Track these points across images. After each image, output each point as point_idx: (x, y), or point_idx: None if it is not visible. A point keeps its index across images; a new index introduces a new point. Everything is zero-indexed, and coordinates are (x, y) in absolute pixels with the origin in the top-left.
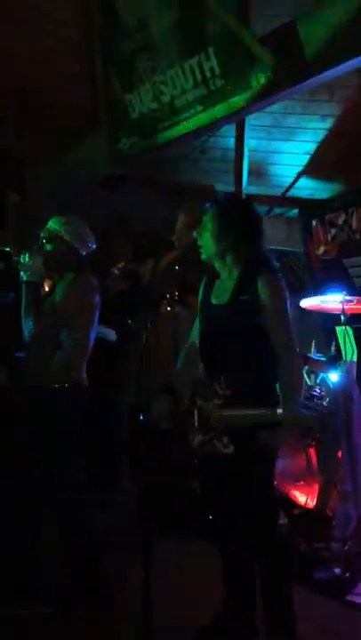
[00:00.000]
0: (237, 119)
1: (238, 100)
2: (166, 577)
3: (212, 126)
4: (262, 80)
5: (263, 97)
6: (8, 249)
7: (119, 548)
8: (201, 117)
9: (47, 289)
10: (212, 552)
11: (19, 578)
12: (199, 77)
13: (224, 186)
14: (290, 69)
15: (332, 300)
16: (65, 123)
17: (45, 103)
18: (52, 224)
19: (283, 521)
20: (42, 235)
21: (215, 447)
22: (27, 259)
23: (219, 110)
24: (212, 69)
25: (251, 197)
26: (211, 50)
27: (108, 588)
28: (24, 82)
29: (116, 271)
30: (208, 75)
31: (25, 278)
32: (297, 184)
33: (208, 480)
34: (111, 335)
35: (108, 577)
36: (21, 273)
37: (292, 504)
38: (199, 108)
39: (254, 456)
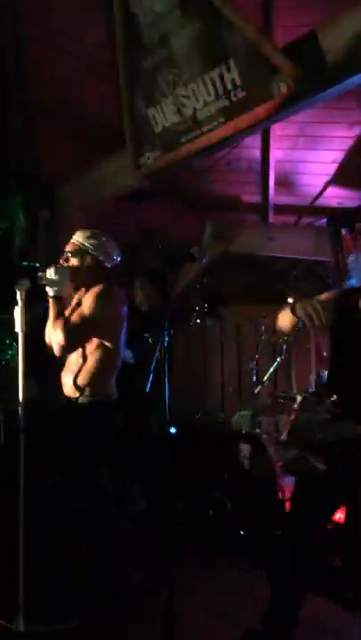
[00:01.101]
0: (261, 130)
1: (261, 111)
2: (191, 590)
3: (236, 138)
4: (284, 90)
5: (286, 107)
6: (38, 265)
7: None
8: (224, 129)
9: (74, 303)
10: (240, 566)
11: (50, 593)
12: (221, 89)
13: (250, 196)
14: (312, 78)
15: None
16: (93, 139)
17: (74, 121)
18: (77, 238)
19: None
20: (67, 249)
21: (309, 462)
22: (52, 274)
23: (241, 121)
24: (233, 81)
25: (278, 208)
26: (231, 61)
27: (135, 600)
28: (54, 101)
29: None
30: (230, 86)
31: (52, 293)
32: (325, 193)
33: (299, 495)
34: (128, 356)
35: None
36: (47, 288)
37: None
38: (222, 119)
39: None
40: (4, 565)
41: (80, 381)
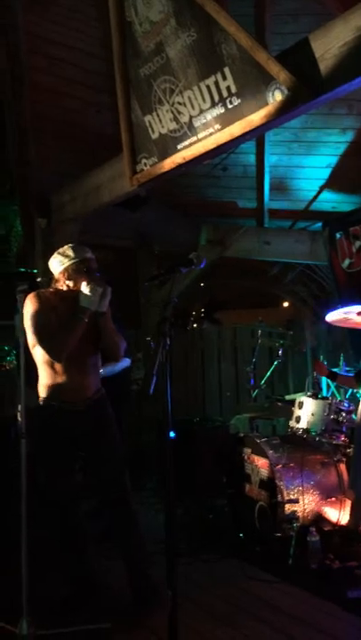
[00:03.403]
0: (256, 136)
1: (255, 118)
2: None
3: (231, 144)
4: (279, 97)
5: (280, 113)
6: (35, 271)
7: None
8: (219, 136)
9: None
10: (241, 570)
11: (52, 597)
12: (216, 97)
13: (246, 202)
14: (306, 85)
15: (355, 312)
16: (88, 147)
17: (70, 129)
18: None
19: (315, 538)
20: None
21: None
22: (87, 290)
23: (236, 128)
24: (228, 88)
25: (274, 212)
26: (227, 69)
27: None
28: (50, 110)
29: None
30: (225, 94)
31: (92, 309)
32: (320, 197)
33: None
34: (125, 362)
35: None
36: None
37: (324, 521)
38: (217, 126)
39: None
40: (6, 570)
41: (98, 382)
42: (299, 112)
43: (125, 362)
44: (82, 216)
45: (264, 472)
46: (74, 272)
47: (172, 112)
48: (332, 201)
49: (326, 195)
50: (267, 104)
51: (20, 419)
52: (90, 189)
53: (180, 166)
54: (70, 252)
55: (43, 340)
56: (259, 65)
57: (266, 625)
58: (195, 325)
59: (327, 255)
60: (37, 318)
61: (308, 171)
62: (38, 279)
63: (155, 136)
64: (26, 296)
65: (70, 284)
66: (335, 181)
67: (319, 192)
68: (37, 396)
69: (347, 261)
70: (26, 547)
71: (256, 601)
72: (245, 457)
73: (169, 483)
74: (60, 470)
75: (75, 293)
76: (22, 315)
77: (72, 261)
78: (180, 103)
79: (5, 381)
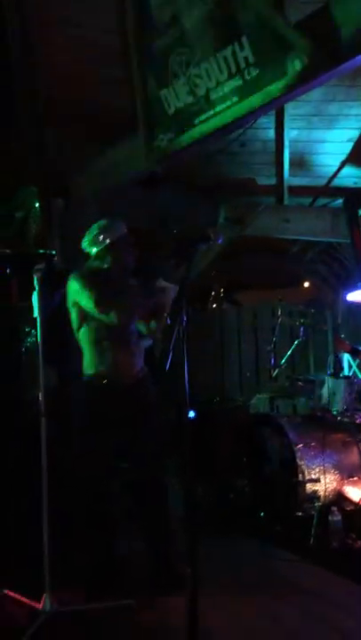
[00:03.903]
0: (275, 108)
1: (275, 89)
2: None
3: (250, 117)
4: (298, 66)
5: (300, 83)
6: (53, 252)
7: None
8: (238, 108)
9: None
10: (262, 549)
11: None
12: (234, 68)
13: (266, 179)
14: (326, 53)
15: None
16: (106, 124)
17: (86, 107)
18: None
19: (336, 517)
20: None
21: None
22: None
23: (255, 100)
24: (246, 59)
25: (294, 189)
26: (244, 39)
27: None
28: (65, 88)
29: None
30: (243, 65)
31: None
32: (341, 173)
33: None
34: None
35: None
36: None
37: (346, 500)
38: (235, 98)
39: None
40: (29, 547)
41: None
42: (319, 82)
43: (149, 341)
44: (99, 196)
45: (285, 452)
46: (116, 248)
47: (189, 85)
48: (354, 176)
49: (348, 170)
50: (286, 74)
51: (40, 398)
52: (106, 168)
53: (197, 141)
54: (110, 228)
55: (101, 304)
56: (278, 33)
57: (288, 603)
58: (214, 306)
59: (349, 232)
60: (91, 287)
61: (329, 145)
62: (55, 258)
63: (171, 111)
64: (42, 276)
65: (110, 260)
66: (357, 156)
67: (340, 167)
68: (82, 375)
69: None
70: (47, 523)
71: (278, 579)
72: (266, 437)
73: (188, 462)
74: (101, 448)
75: (116, 270)
76: (65, 295)
77: (113, 237)
78: (196, 75)
79: (26, 362)
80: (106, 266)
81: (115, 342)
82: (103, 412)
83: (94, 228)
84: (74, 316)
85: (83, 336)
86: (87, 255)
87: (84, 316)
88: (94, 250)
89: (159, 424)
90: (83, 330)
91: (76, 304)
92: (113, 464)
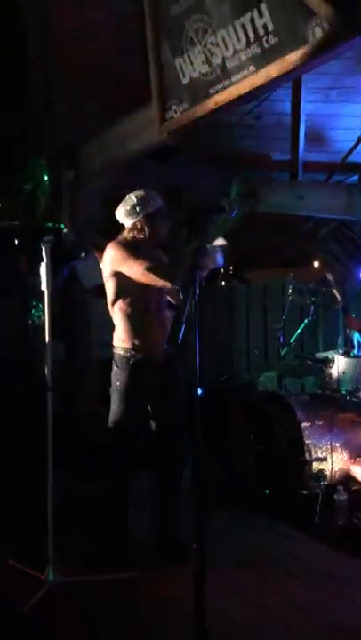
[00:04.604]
0: (294, 79)
1: (294, 58)
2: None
3: (267, 88)
4: (319, 34)
5: (321, 53)
6: (62, 225)
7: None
8: (254, 78)
9: None
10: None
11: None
12: (252, 36)
13: (280, 154)
14: (348, 21)
15: None
16: (119, 96)
17: (97, 77)
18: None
19: (342, 497)
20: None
21: None
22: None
23: (273, 69)
24: (265, 26)
25: (309, 165)
26: (263, 5)
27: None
28: (77, 57)
29: None
30: (261, 32)
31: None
32: (358, 149)
33: None
34: None
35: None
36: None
37: (352, 480)
38: (252, 68)
39: None
40: (33, 519)
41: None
42: (340, 51)
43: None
44: (110, 168)
45: (292, 430)
46: (153, 219)
47: (205, 54)
48: None
49: None
50: (306, 42)
51: (47, 372)
52: (118, 139)
53: (212, 112)
54: (147, 199)
55: (151, 267)
56: (298, 0)
57: (293, 578)
58: (223, 283)
59: None
60: (137, 255)
61: (346, 120)
62: (64, 231)
63: (185, 80)
64: (51, 248)
65: (148, 231)
66: None
67: (357, 143)
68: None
69: None
70: (52, 493)
71: (282, 555)
72: (273, 415)
73: (198, 437)
74: (131, 421)
75: (150, 243)
76: (106, 264)
77: (152, 208)
78: (212, 44)
79: (34, 336)
80: (142, 236)
81: (149, 316)
82: (135, 385)
83: (130, 199)
84: (111, 287)
85: (118, 308)
86: (121, 226)
87: (123, 289)
88: (130, 221)
89: (182, 403)
90: (119, 302)
91: (117, 274)
92: (136, 436)
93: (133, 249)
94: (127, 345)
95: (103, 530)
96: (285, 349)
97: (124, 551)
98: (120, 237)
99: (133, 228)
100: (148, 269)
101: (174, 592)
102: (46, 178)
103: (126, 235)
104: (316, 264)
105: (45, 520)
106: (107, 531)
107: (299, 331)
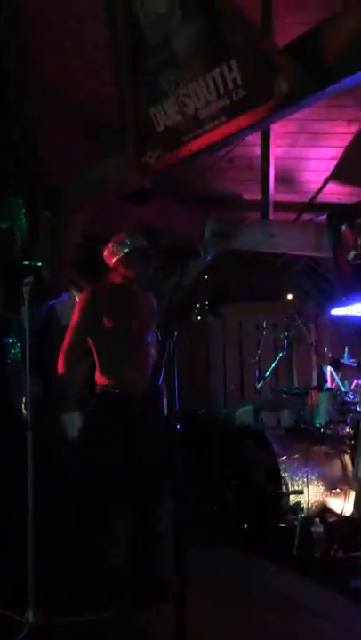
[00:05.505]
0: (262, 128)
1: (262, 110)
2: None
3: (237, 136)
4: (285, 89)
5: (287, 105)
6: (40, 264)
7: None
8: (225, 128)
9: None
10: (245, 559)
11: (58, 587)
12: (222, 89)
13: (252, 194)
14: (313, 77)
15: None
16: (93, 139)
17: (74, 120)
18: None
19: (319, 529)
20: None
21: None
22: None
23: (243, 120)
24: (234, 80)
25: (279, 205)
26: (233, 61)
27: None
28: (53, 99)
29: None
30: (231, 86)
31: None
32: (325, 189)
33: None
34: None
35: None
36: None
37: (329, 511)
38: (223, 118)
39: None
40: (13, 561)
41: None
42: (305, 104)
43: None
44: (87, 208)
45: (269, 463)
46: (133, 260)
47: (178, 104)
48: (337, 193)
49: (331, 187)
50: (273, 96)
51: (25, 411)
52: (95, 181)
53: (185, 159)
54: (128, 240)
55: (65, 349)
56: (265, 56)
57: (272, 612)
58: (198, 318)
59: (332, 247)
60: (77, 316)
61: (313, 163)
62: (43, 272)
63: (160, 128)
64: (32, 288)
65: (129, 272)
66: (340, 173)
67: (324, 184)
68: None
69: (352, 253)
70: (33, 536)
71: (261, 590)
72: (250, 448)
73: (177, 471)
74: (109, 457)
75: (129, 285)
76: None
77: (130, 249)
78: (185, 95)
79: (11, 374)
80: (118, 280)
81: (128, 353)
82: (109, 420)
83: (111, 242)
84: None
85: (92, 347)
86: (108, 267)
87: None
88: (110, 263)
89: (162, 447)
90: (90, 341)
91: None
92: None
93: (82, 307)
94: (100, 382)
95: (82, 568)
96: (261, 383)
97: (103, 588)
98: (103, 281)
99: (113, 269)
100: (64, 344)
101: (155, 629)
102: (23, 217)
103: (107, 277)
104: (289, 297)
105: (24, 561)
106: (85, 568)
107: (273, 365)
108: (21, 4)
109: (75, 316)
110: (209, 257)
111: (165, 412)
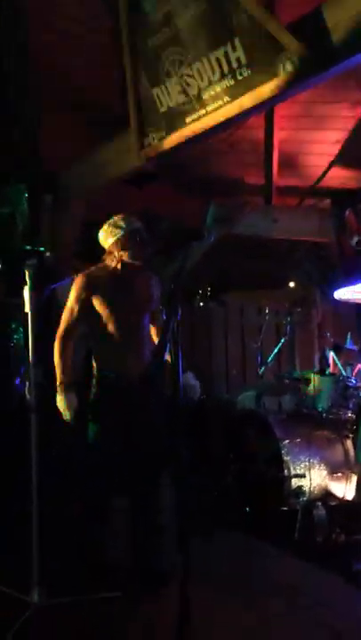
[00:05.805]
0: (266, 109)
1: (266, 90)
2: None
3: (241, 117)
4: (289, 68)
5: (291, 85)
6: (42, 249)
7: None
8: (228, 108)
9: None
10: (247, 543)
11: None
12: (226, 68)
13: (254, 179)
14: (317, 56)
15: None
16: (94, 122)
17: (75, 104)
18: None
19: (321, 512)
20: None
21: None
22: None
23: (246, 100)
24: (238, 60)
25: (282, 189)
26: (237, 40)
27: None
28: (54, 83)
29: None
30: (235, 65)
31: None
32: (329, 174)
33: None
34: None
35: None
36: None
37: (331, 495)
38: (227, 98)
39: None
40: (19, 541)
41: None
42: (310, 83)
43: None
44: (89, 192)
45: (271, 447)
46: (128, 242)
47: (181, 84)
48: (341, 177)
49: (335, 171)
50: (277, 75)
51: (28, 395)
52: (97, 165)
53: (188, 140)
54: (122, 223)
55: (59, 334)
56: (270, 35)
57: (274, 597)
58: (201, 304)
59: (335, 232)
60: (72, 298)
61: (317, 146)
62: (47, 254)
63: (163, 109)
64: (35, 271)
65: (124, 255)
66: (344, 157)
67: (328, 168)
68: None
69: (355, 238)
70: (37, 515)
71: (263, 574)
72: (252, 433)
73: (178, 456)
74: (108, 442)
75: (125, 268)
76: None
77: (125, 231)
78: (188, 75)
79: (13, 359)
80: (113, 263)
81: (126, 335)
82: (108, 405)
83: (106, 224)
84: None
85: (88, 331)
86: (103, 249)
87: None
88: (107, 245)
89: (163, 420)
90: (87, 326)
91: None
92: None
93: (75, 293)
94: (98, 365)
95: (84, 553)
96: (263, 369)
97: (104, 574)
98: (99, 264)
99: (109, 251)
100: (59, 329)
101: (159, 611)
102: (24, 202)
103: (103, 261)
104: (291, 284)
105: (29, 543)
106: (88, 553)
107: (276, 350)
108: (21, 3)
109: (69, 301)
110: (212, 238)
111: (165, 390)
